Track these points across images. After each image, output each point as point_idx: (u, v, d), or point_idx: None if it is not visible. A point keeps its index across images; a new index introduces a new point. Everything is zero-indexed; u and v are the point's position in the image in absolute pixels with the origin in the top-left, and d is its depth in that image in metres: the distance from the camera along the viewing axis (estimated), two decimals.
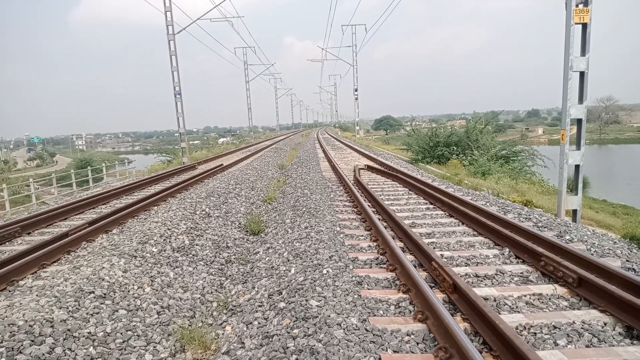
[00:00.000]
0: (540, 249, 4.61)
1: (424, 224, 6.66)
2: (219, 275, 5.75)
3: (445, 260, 4.86)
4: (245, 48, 50.01)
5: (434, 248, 5.38)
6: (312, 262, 4.88)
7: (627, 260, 4.69)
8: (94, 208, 9.60)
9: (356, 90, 40.48)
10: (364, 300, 3.79)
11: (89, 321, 3.90)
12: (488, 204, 8.01)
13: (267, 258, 5.91)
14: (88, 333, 3.72)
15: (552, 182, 18.96)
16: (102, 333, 3.81)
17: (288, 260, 5.27)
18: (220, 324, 4.39)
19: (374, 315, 3.56)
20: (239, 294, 5.02)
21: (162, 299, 4.67)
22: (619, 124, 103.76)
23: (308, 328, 3.35)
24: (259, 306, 4.32)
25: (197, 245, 6.37)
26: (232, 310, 4.63)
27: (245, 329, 3.96)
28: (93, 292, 4.37)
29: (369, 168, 14.33)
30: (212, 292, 5.16)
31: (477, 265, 4.75)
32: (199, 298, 4.93)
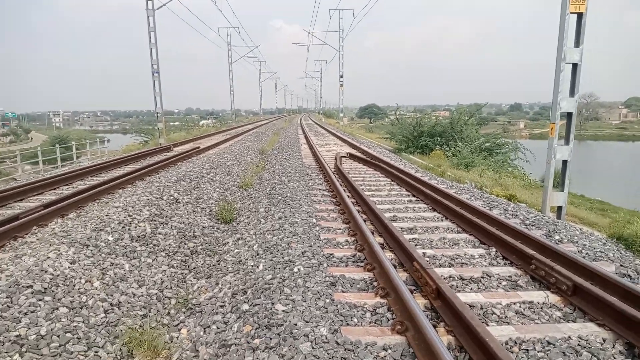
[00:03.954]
0: (530, 251, 4.25)
1: (406, 217, 6.27)
2: (182, 268, 5.25)
3: (428, 259, 4.48)
4: (229, 29, 48.70)
5: (416, 245, 4.99)
6: (283, 257, 4.43)
7: (621, 265, 4.37)
8: (55, 189, 8.94)
9: (341, 76, 39.87)
10: (336, 306, 3.36)
11: (20, 322, 3.39)
12: (473, 197, 7.67)
13: (236, 250, 5.44)
14: (16, 336, 3.22)
15: (533, 176, 18.89)
16: (34, 336, 3.30)
17: (257, 255, 4.81)
18: (177, 325, 3.92)
19: (347, 325, 3.14)
20: (201, 290, 4.55)
21: (112, 295, 4.16)
22: (598, 121, 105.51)
23: (271, 339, 2.91)
24: (220, 307, 3.86)
25: (159, 234, 5.84)
26: (192, 309, 4.16)
27: (202, 333, 3.51)
28: (31, 287, 3.84)
29: (351, 156, 13.90)
30: (171, 288, 4.66)
31: (461, 266, 4.37)
32: (156, 294, 4.44)
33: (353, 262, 4.48)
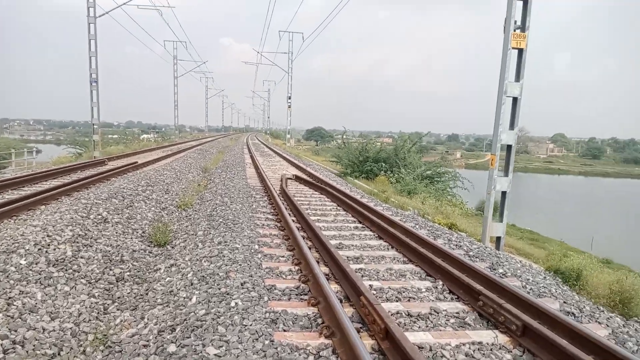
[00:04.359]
0: (477, 286, 4.15)
1: (352, 245, 6.08)
2: (104, 297, 4.70)
3: (375, 293, 4.27)
4: (176, 42, 47.57)
5: (363, 276, 4.78)
6: (219, 289, 4.05)
7: (564, 302, 4.38)
8: None
9: (289, 97, 39.94)
10: (276, 348, 3.03)
11: None
12: (417, 226, 7.64)
13: (168, 278, 4.97)
14: None
15: (469, 204, 19.58)
16: None
17: (191, 284, 4.39)
18: None
19: None
20: (124, 325, 4.05)
21: (16, 331, 3.58)
22: (528, 154, 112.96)
23: None
24: (144, 346, 3.41)
25: (81, 257, 5.24)
26: (110, 347, 3.66)
27: None
28: None
29: (297, 178, 13.67)
30: (90, 321, 4.12)
31: (409, 300, 4.19)
32: (71, 329, 3.89)
33: (296, 294, 4.18)
